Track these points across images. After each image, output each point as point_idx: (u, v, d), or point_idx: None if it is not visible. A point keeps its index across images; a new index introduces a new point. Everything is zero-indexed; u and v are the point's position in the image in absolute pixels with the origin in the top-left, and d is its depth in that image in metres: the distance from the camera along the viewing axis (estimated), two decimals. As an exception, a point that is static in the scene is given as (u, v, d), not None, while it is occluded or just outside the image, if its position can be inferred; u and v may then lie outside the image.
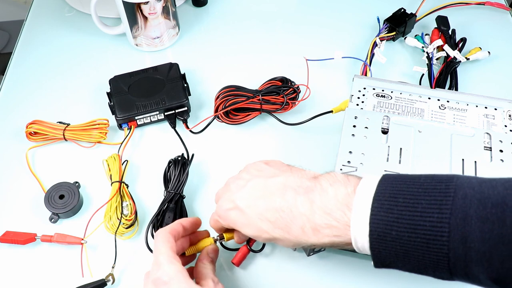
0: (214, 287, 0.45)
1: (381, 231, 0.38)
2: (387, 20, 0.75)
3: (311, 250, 0.52)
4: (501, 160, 0.53)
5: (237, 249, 0.53)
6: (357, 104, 0.60)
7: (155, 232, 0.53)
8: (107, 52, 0.76)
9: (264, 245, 0.54)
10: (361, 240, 0.39)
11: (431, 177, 0.39)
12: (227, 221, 0.47)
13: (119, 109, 0.64)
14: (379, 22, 0.76)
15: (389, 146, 0.55)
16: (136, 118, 0.64)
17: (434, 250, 0.36)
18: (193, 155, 0.61)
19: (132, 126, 0.65)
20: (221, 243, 0.52)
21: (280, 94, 0.64)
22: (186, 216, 0.56)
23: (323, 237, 0.41)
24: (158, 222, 0.55)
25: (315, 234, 0.41)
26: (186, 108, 0.65)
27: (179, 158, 0.60)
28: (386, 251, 0.38)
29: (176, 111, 0.65)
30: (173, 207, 0.55)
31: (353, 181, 0.42)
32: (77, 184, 0.60)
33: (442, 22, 0.75)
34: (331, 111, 0.63)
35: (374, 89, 0.62)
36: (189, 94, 0.68)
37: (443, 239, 0.36)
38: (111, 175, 0.59)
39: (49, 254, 0.55)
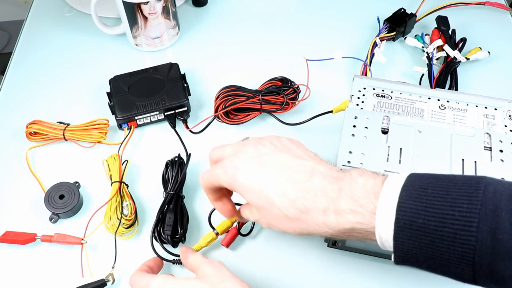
0: (209, 268, 0.44)
1: (408, 219, 0.37)
2: (387, 20, 0.75)
3: (333, 241, 0.52)
4: (501, 160, 0.53)
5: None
6: (357, 104, 0.60)
7: (157, 234, 0.54)
8: (107, 52, 0.76)
9: (252, 228, 0.55)
10: (385, 229, 0.38)
11: (462, 175, 0.39)
12: (231, 180, 0.44)
13: (119, 109, 0.64)
14: (379, 22, 0.76)
15: (389, 146, 0.55)
16: (136, 118, 0.64)
17: (461, 241, 0.35)
18: (190, 154, 0.61)
19: (132, 126, 0.65)
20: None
21: (280, 94, 0.64)
22: (187, 216, 0.56)
23: (345, 222, 0.40)
24: (158, 223, 0.55)
25: (337, 218, 0.40)
26: (186, 108, 0.65)
27: (176, 159, 0.60)
28: (411, 241, 0.37)
29: (176, 111, 0.65)
30: (173, 208, 0.55)
31: (381, 176, 0.41)
32: (77, 184, 0.60)
33: (442, 22, 0.75)
34: (331, 111, 0.63)
35: (374, 89, 0.62)
36: (189, 94, 0.68)
37: (471, 230, 0.35)
38: (111, 175, 0.59)
39: (49, 254, 0.55)
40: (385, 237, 0.38)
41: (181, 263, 0.52)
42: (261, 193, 0.42)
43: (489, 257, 0.35)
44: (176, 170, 0.58)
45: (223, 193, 0.49)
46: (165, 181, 0.59)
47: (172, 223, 0.54)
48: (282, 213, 0.41)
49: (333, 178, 0.42)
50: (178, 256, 0.53)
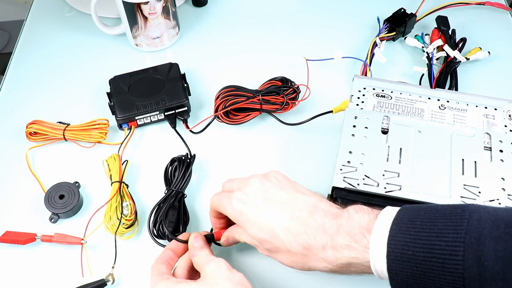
0: (210, 270, 0.45)
1: (398, 252, 0.39)
2: (387, 20, 0.75)
3: None
4: (501, 160, 0.53)
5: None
6: (357, 104, 0.60)
7: (155, 230, 0.53)
8: (107, 52, 0.76)
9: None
10: (379, 262, 0.40)
11: (448, 205, 0.41)
12: (237, 214, 0.46)
13: (119, 109, 0.64)
14: (379, 22, 0.76)
15: (389, 146, 0.55)
16: (136, 118, 0.64)
17: (450, 270, 0.37)
18: (194, 155, 0.61)
19: (132, 126, 0.65)
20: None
21: (280, 94, 0.64)
22: (188, 215, 0.56)
23: (342, 257, 0.42)
24: (161, 218, 0.54)
25: (334, 253, 0.42)
26: (186, 108, 0.65)
27: (183, 158, 0.60)
28: (403, 272, 0.39)
29: (176, 111, 0.65)
30: (177, 205, 0.55)
31: (376, 211, 0.43)
32: (77, 184, 0.60)
33: (442, 22, 0.75)
34: (331, 111, 0.63)
35: (374, 89, 0.62)
36: (189, 94, 0.68)
37: (458, 258, 0.36)
38: (111, 175, 0.59)
39: (49, 254, 0.55)
40: (380, 270, 0.40)
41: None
42: (265, 227, 0.44)
43: (477, 284, 0.36)
44: (183, 168, 0.58)
45: (225, 217, 0.50)
46: (168, 177, 0.59)
47: (175, 220, 0.54)
48: (285, 247, 0.44)
49: (332, 215, 0.44)
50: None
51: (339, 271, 0.43)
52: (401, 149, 0.55)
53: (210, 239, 0.51)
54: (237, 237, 0.49)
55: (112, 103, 0.65)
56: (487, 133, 0.56)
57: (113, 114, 0.65)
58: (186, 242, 0.51)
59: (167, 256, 0.49)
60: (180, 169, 0.58)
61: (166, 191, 0.57)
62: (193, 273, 0.49)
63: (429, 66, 0.70)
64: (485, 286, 0.36)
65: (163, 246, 0.53)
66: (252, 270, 0.54)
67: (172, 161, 0.60)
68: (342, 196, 0.52)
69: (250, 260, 0.54)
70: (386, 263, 0.39)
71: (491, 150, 0.54)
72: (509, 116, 0.58)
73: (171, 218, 0.54)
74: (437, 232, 0.38)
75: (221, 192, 0.50)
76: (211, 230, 0.54)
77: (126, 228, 0.55)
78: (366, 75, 0.68)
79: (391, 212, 0.42)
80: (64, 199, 0.57)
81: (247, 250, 0.54)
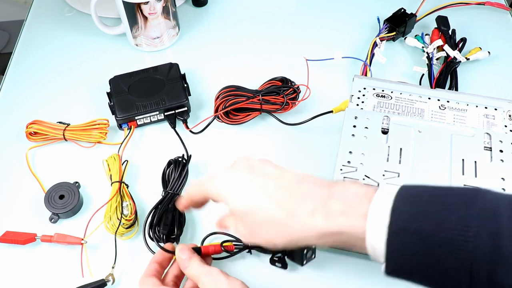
0: (207, 280, 0.44)
1: (401, 224, 0.35)
2: (387, 20, 0.75)
3: (305, 256, 0.51)
4: (501, 160, 0.53)
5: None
6: (357, 104, 0.60)
7: (151, 231, 0.54)
8: (107, 52, 0.76)
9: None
10: (377, 234, 0.35)
11: (458, 186, 0.38)
12: (218, 189, 0.43)
13: (119, 109, 0.64)
14: (379, 22, 0.76)
15: (389, 146, 0.55)
16: (136, 118, 0.64)
17: (458, 247, 0.33)
18: (190, 156, 0.61)
19: (132, 126, 0.65)
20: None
21: (280, 94, 0.64)
22: (184, 217, 0.56)
23: (334, 224, 0.37)
24: (156, 221, 0.54)
25: (326, 220, 0.38)
26: (186, 108, 0.65)
27: (179, 159, 0.60)
28: (404, 248, 0.35)
29: (176, 111, 0.65)
30: (172, 207, 0.55)
31: (374, 186, 0.40)
32: (77, 184, 0.60)
33: (442, 22, 0.75)
34: (331, 111, 0.63)
35: (374, 89, 0.62)
36: (189, 94, 0.68)
37: (469, 235, 0.33)
38: (111, 175, 0.59)
39: (49, 254, 0.55)
40: (376, 243, 0.36)
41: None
42: (247, 197, 0.41)
43: (488, 265, 0.33)
44: (179, 170, 0.58)
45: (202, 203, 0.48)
46: (165, 180, 0.59)
47: (170, 223, 0.54)
48: (267, 216, 0.39)
49: (323, 184, 0.40)
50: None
51: (328, 243, 0.39)
52: (401, 149, 0.55)
53: (197, 252, 0.50)
54: (226, 223, 0.45)
55: (112, 103, 0.65)
56: (487, 133, 0.56)
57: (113, 114, 0.65)
58: (171, 252, 0.50)
59: (153, 270, 0.48)
60: (176, 170, 0.58)
61: (162, 194, 0.57)
62: (180, 281, 0.49)
63: (429, 66, 0.70)
64: (495, 267, 0.32)
65: (153, 252, 0.53)
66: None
67: (169, 163, 0.60)
68: (342, 196, 0.52)
69: (243, 272, 0.54)
70: (386, 236, 0.35)
71: (491, 150, 0.54)
72: (509, 116, 0.58)
73: (166, 221, 0.54)
74: (447, 207, 0.34)
75: (198, 179, 0.47)
76: (202, 243, 0.54)
77: (126, 228, 0.55)
78: (366, 75, 0.68)
79: (393, 187, 0.37)
80: (64, 199, 0.57)
81: (239, 263, 0.54)
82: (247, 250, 0.53)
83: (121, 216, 0.55)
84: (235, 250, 0.53)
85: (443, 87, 0.66)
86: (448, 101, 0.60)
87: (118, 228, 0.54)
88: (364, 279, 0.52)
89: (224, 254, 0.53)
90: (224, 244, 0.52)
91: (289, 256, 0.52)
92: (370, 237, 0.36)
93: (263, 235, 0.41)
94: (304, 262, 0.52)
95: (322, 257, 0.53)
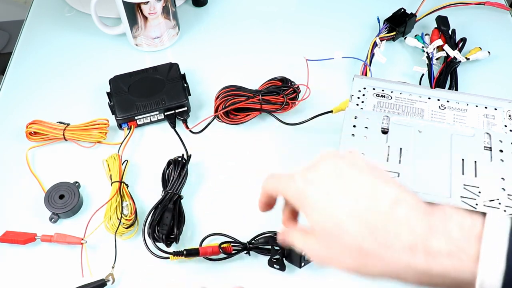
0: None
1: None
2: (387, 20, 0.75)
3: (303, 258, 0.51)
4: (501, 160, 0.53)
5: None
6: (357, 104, 0.60)
7: (150, 231, 0.54)
8: (107, 52, 0.76)
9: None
10: (491, 280, 0.31)
11: None
12: (300, 196, 0.37)
13: (119, 109, 0.64)
14: (379, 22, 0.76)
15: (389, 146, 0.55)
16: (136, 118, 0.64)
17: None
18: (190, 156, 0.61)
19: (132, 126, 0.65)
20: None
21: (280, 94, 0.64)
22: (184, 217, 0.56)
23: (436, 265, 0.32)
24: (155, 221, 0.54)
25: (427, 260, 0.32)
26: (186, 108, 0.65)
27: (179, 159, 0.60)
28: None
29: (176, 111, 0.65)
30: (171, 207, 0.55)
31: (479, 213, 0.34)
32: (77, 184, 0.60)
33: (442, 22, 0.75)
34: (331, 111, 0.63)
35: (374, 89, 0.62)
36: (189, 94, 0.68)
37: None
38: (111, 175, 0.59)
39: (49, 254, 0.55)
40: None
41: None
42: (333, 216, 0.35)
43: None
44: (178, 170, 0.58)
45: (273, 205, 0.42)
46: (165, 180, 0.59)
47: (169, 223, 0.54)
48: (356, 243, 0.34)
49: (421, 211, 0.34)
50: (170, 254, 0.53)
51: (425, 283, 0.34)
52: (401, 149, 0.55)
53: (194, 253, 0.50)
54: (290, 238, 0.39)
55: (112, 103, 0.65)
56: (487, 133, 0.56)
57: (113, 114, 0.65)
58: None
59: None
60: (175, 170, 0.58)
61: (162, 194, 0.57)
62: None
63: (429, 66, 0.70)
64: None
65: (153, 253, 0.53)
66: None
67: (169, 163, 0.60)
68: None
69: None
70: (501, 281, 0.31)
71: (491, 150, 0.54)
72: (509, 116, 0.58)
73: (165, 221, 0.54)
74: None
75: (278, 175, 0.40)
76: (200, 244, 0.54)
77: (126, 228, 0.55)
78: (366, 75, 0.68)
79: (503, 220, 0.33)
80: (64, 199, 0.57)
81: (238, 264, 0.54)
82: (245, 252, 0.53)
83: (121, 216, 0.55)
84: (233, 252, 0.53)
85: (443, 87, 0.66)
86: (448, 101, 0.60)
87: (118, 228, 0.54)
88: (362, 281, 0.52)
89: (223, 255, 0.53)
90: (222, 246, 0.52)
91: (287, 258, 0.52)
92: (481, 282, 0.32)
93: (348, 264, 0.35)
94: (302, 264, 0.52)
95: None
